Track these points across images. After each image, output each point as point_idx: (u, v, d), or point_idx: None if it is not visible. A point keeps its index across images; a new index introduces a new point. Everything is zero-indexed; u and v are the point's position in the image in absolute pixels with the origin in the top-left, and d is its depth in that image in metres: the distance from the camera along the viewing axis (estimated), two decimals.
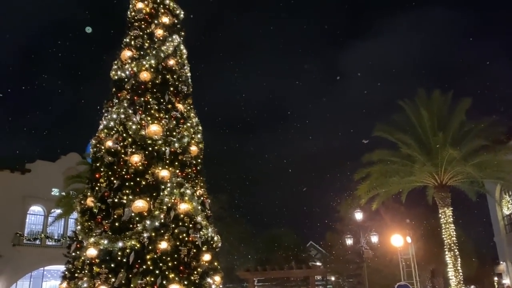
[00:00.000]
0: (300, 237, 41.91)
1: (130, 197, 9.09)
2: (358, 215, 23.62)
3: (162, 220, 8.92)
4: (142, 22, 11.44)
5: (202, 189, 10.36)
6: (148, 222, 8.74)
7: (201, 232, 9.39)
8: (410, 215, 26.74)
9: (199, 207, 9.72)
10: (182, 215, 9.26)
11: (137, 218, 8.90)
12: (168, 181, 9.32)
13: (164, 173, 9.42)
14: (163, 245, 8.69)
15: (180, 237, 9.03)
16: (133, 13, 11.66)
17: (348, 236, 24.73)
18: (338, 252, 29.94)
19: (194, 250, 9.09)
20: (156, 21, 11.47)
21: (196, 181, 10.30)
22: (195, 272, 8.92)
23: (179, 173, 9.77)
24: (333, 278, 34.45)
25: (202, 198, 10.18)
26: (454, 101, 18.93)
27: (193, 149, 10.39)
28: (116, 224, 8.92)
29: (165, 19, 11.54)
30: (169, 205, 9.10)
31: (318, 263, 35.78)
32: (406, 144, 18.41)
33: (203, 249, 9.28)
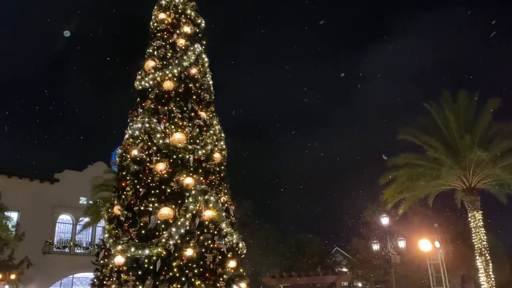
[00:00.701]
0: (326, 243, 41.59)
1: (156, 204, 9.22)
2: (385, 220, 23.27)
3: (187, 227, 9.00)
4: (165, 32, 11.64)
5: (226, 196, 10.40)
6: (173, 229, 8.83)
7: (226, 239, 9.43)
8: (438, 219, 26.16)
9: (224, 214, 9.77)
10: (207, 222, 9.32)
11: (163, 226, 9.00)
12: (193, 188, 9.41)
13: (188, 180, 9.51)
14: (189, 252, 8.76)
15: (205, 244, 9.09)
16: (155, 24, 11.88)
17: (375, 242, 24.37)
18: (364, 258, 29.53)
19: (220, 257, 9.13)
20: (178, 31, 11.65)
21: (220, 188, 10.36)
22: (221, 279, 8.95)
23: (203, 180, 9.85)
24: (360, 284, 34.00)
25: (226, 204, 10.22)
26: (481, 102, 18.52)
27: (217, 156, 10.47)
28: (143, 231, 9.05)
29: (187, 29, 11.71)
30: (194, 212, 9.18)
31: (345, 269, 35.34)
32: (433, 147, 18.09)
33: (228, 255, 9.31)
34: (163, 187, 9.46)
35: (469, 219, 18.24)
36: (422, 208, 25.37)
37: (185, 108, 10.61)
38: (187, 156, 9.87)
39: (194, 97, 10.92)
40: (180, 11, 11.97)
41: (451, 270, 23.72)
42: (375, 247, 24.23)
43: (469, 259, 22.90)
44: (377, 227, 25.91)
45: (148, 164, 9.81)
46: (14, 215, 27.15)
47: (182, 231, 8.89)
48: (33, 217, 28.61)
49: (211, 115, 11.11)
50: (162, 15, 11.84)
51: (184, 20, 11.88)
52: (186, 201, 9.23)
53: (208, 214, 9.34)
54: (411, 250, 23.15)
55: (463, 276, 28.28)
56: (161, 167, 9.63)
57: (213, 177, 10.23)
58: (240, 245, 9.88)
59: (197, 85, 11.16)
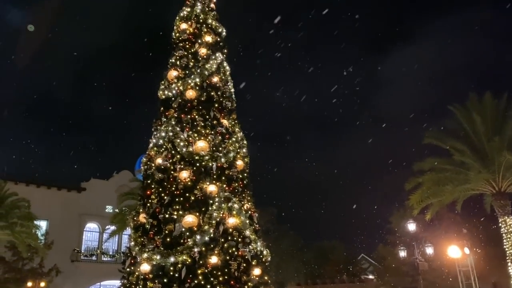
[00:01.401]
0: (351, 249, 40.94)
1: (180, 212, 9.30)
2: (411, 226, 22.78)
3: (212, 235, 9.04)
4: (187, 42, 11.81)
5: (249, 203, 10.41)
6: (198, 237, 8.88)
7: (250, 246, 9.42)
8: (467, 225, 25.49)
9: (247, 221, 9.77)
10: (231, 230, 9.34)
11: (187, 233, 9.07)
12: (216, 195, 9.46)
13: (212, 188, 9.57)
14: (214, 259, 8.79)
15: (230, 251, 9.11)
16: (177, 34, 12.07)
17: (402, 248, 23.86)
18: (391, 265, 28.97)
19: (244, 265, 9.12)
20: (199, 40, 11.80)
21: (243, 195, 10.38)
22: (246, 287, 8.93)
23: (227, 188, 9.89)
24: None
25: (249, 212, 10.23)
26: (508, 103, 18.03)
27: (239, 163, 10.51)
28: (168, 239, 9.13)
29: (208, 38, 11.84)
30: (218, 219, 9.22)
31: (371, 276, 34.75)
32: (459, 151, 17.68)
33: (253, 263, 9.29)
34: (187, 194, 9.54)
35: (500, 224, 17.71)
36: (450, 214, 24.76)
37: (207, 116, 10.72)
38: (210, 164, 9.94)
39: (216, 105, 11.02)
40: (201, 21, 12.12)
41: (482, 277, 22.99)
42: (402, 253, 23.73)
43: (500, 265, 22.17)
44: (404, 233, 25.40)
45: (172, 172, 9.92)
46: (43, 224, 27.77)
47: (207, 238, 8.93)
48: (61, 225, 29.22)
49: (233, 123, 11.18)
50: (183, 25, 12.01)
51: (205, 30, 12.02)
52: (210, 208, 9.28)
53: (232, 221, 9.36)
54: (440, 256, 22.58)
55: (495, 283, 27.40)
56: (185, 175, 9.72)
57: (236, 184, 10.26)
58: (265, 252, 9.85)
59: (219, 93, 11.26)
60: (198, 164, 9.91)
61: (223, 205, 9.36)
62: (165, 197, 9.60)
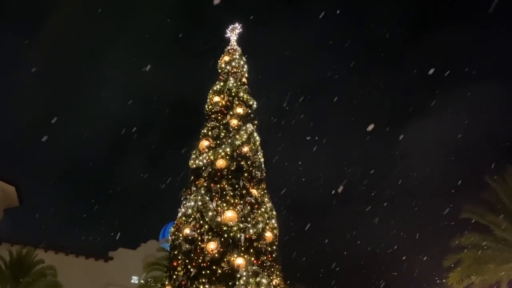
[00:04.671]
0: None
1: (207, 286, 9.02)
2: None
3: None
4: (219, 114, 12.17)
5: (278, 278, 10.00)
6: None
7: None
8: None
9: None
10: None
11: None
12: (244, 269, 9.16)
13: (239, 261, 9.31)
14: None
15: None
16: (210, 106, 12.49)
17: None
18: None
19: None
20: (231, 112, 12.14)
21: (272, 269, 10.01)
22: None
23: (255, 261, 9.60)
24: None
25: (278, 287, 9.79)
26: None
27: (268, 235, 10.27)
28: None
29: (240, 110, 12.18)
30: None
31: None
32: (500, 227, 16.75)
33: None
34: (214, 267, 9.30)
35: None
36: None
37: (236, 186, 10.71)
38: (238, 235, 9.75)
39: (245, 174, 11.04)
40: (233, 94, 12.53)
41: None
42: None
43: None
44: None
45: (199, 243, 9.76)
46: None
47: None
48: None
49: (262, 193, 11.11)
50: (216, 98, 12.46)
51: (237, 102, 12.39)
52: (237, 283, 8.95)
53: None
54: None
55: None
56: (212, 246, 9.55)
57: (265, 257, 9.95)
58: None
59: (248, 162, 11.33)
60: (226, 235, 9.73)
61: (251, 279, 9.03)
62: (192, 269, 9.37)
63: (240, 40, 13.81)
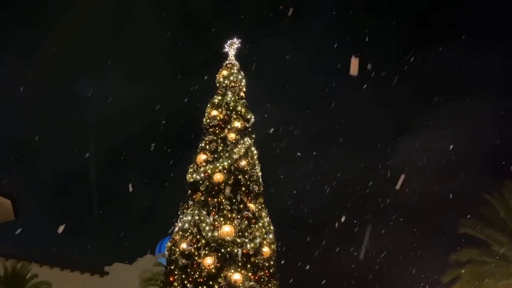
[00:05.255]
0: None
1: None
2: None
3: None
4: (216, 128, 12.17)
5: None
6: None
7: None
8: None
9: None
10: None
11: None
12: (241, 285, 9.07)
13: (236, 276, 9.22)
14: None
15: None
16: (208, 120, 12.49)
17: None
18: None
19: None
20: (229, 126, 12.14)
21: (269, 285, 9.92)
22: None
23: (252, 276, 9.50)
24: None
25: None
26: None
27: (265, 250, 10.19)
28: None
29: (237, 124, 12.19)
30: None
31: None
32: (498, 242, 16.66)
33: None
34: (210, 282, 9.20)
35: None
36: None
37: (234, 200, 10.66)
38: (236, 250, 9.67)
39: (243, 188, 11.00)
40: (231, 108, 12.56)
41: None
42: None
43: None
44: None
45: (196, 258, 9.67)
46: None
47: None
48: None
49: (259, 207, 11.05)
50: (214, 112, 12.47)
51: (235, 116, 12.41)
52: None
53: None
54: None
55: None
56: (209, 261, 9.45)
57: (262, 273, 9.86)
58: None
59: (246, 176, 11.29)
60: (223, 250, 9.65)
61: None
62: (188, 285, 9.28)
63: (238, 55, 13.93)
